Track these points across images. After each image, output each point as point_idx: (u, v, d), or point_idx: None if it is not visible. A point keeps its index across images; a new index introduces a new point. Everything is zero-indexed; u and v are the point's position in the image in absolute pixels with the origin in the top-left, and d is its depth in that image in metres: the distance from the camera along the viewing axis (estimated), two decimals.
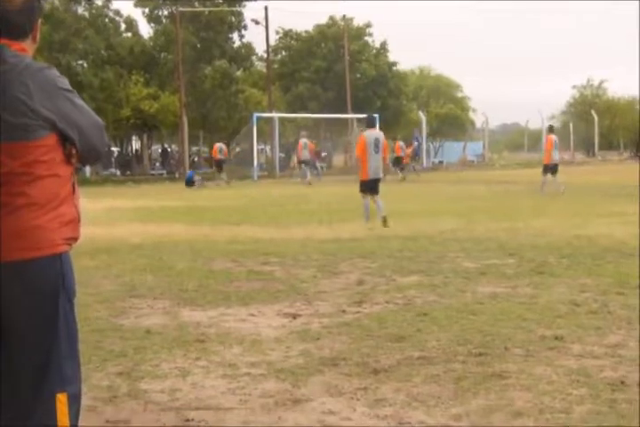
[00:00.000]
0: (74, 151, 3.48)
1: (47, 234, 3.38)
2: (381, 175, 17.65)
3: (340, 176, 44.35)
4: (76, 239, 3.54)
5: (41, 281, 3.38)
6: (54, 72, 3.44)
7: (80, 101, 3.50)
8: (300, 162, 41.57)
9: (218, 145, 41.94)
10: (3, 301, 3.33)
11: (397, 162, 42.45)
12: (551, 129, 29.14)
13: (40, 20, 3.57)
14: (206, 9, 53.52)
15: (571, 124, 74.14)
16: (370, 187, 17.38)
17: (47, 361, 3.39)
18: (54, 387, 3.40)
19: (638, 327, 7.28)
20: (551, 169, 27.38)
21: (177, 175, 48.32)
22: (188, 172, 42.96)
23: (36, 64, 3.40)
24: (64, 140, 3.42)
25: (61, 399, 3.40)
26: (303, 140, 40.82)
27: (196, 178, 39.36)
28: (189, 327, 7.70)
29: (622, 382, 5.64)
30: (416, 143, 51.75)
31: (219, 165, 41.29)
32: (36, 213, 3.35)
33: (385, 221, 16.67)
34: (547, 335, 7.01)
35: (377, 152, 17.27)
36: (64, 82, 3.45)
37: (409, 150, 45.97)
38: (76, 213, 3.54)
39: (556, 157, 27.68)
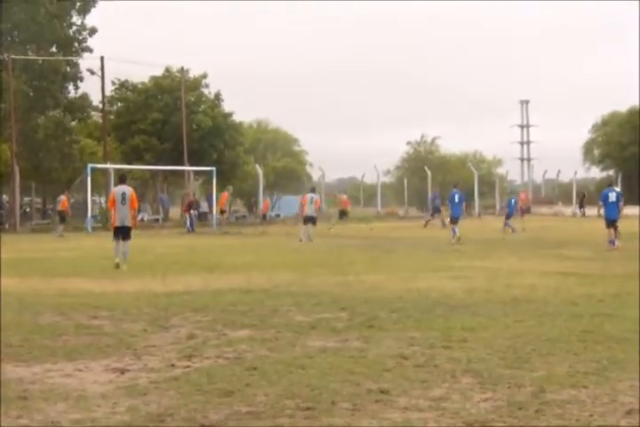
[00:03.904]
0: None
1: None
2: (128, 224, 20.38)
3: (177, 229, 44.11)
4: None
5: None
6: None
7: None
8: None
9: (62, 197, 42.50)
10: None
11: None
12: (313, 190, 35.71)
13: None
14: (40, 58, 52.59)
15: (405, 180, 75.79)
16: (119, 233, 20.24)
17: None
18: None
19: (462, 380, 7.45)
20: (307, 220, 32.53)
21: (7, 226, 46.99)
22: None
23: None
24: None
25: None
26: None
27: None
28: (12, 384, 7.46)
29: None
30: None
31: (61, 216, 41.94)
32: None
33: (119, 265, 19.55)
34: (373, 389, 7.09)
35: (123, 204, 20.31)
36: None
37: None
38: None
39: (308, 211, 32.82)
